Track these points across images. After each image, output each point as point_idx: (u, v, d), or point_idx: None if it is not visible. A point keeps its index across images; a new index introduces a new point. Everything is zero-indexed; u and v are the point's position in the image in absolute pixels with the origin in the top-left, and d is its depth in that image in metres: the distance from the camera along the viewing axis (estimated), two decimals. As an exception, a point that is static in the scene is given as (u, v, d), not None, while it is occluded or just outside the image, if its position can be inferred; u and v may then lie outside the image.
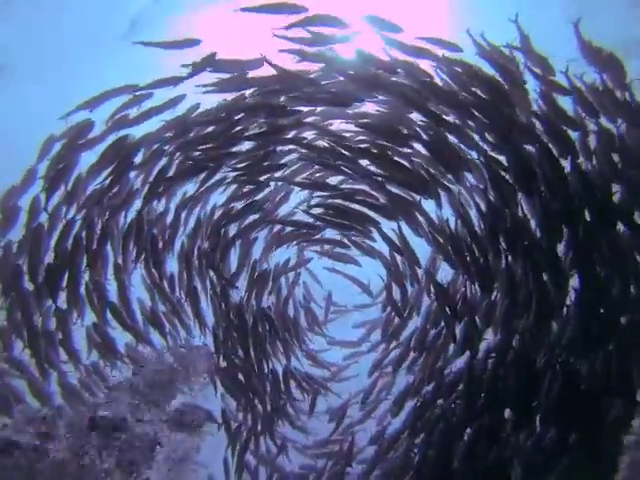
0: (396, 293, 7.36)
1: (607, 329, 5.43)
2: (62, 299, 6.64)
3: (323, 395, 8.40)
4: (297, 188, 7.16)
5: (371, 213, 6.76)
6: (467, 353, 6.33)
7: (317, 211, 7.19)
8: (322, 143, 6.62)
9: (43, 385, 6.68)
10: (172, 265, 7.42)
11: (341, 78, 6.12)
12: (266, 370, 7.81)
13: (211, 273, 7.55)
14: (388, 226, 6.84)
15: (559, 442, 5.33)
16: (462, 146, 6.36)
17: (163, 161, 6.55)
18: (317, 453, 8.33)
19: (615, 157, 5.91)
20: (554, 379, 5.43)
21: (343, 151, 6.48)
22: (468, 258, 6.12)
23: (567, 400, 5.36)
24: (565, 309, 5.70)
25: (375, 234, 6.94)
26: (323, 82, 6.23)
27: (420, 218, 6.53)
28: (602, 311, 5.48)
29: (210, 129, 6.44)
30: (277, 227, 7.75)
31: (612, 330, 5.43)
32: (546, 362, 5.60)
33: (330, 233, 7.56)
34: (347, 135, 6.69)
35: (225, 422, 7.71)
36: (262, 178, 6.74)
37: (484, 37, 6.19)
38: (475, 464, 5.83)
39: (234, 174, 6.65)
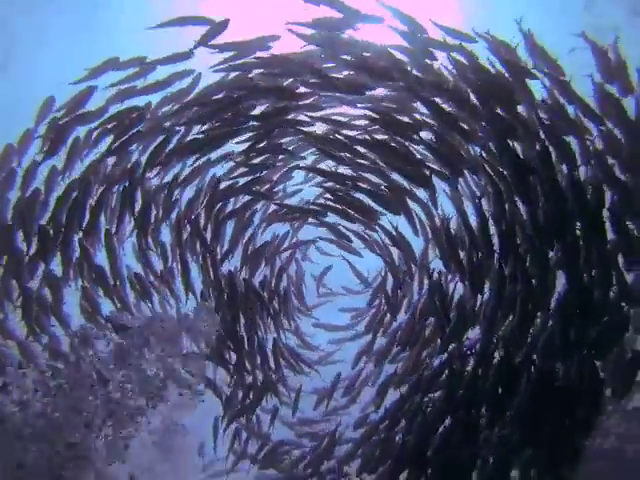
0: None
1: (584, 333, 5.87)
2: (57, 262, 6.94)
3: (307, 375, 8.83)
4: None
5: (372, 203, 7.08)
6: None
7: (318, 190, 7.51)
8: (323, 127, 6.89)
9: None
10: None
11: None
12: (255, 342, 8.16)
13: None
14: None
15: (527, 438, 5.82)
16: (463, 142, 6.69)
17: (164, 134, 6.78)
18: (301, 432, 8.82)
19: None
20: (530, 379, 5.88)
21: (340, 138, 6.75)
22: (461, 255, 6.48)
23: (540, 399, 5.82)
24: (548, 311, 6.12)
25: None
26: (326, 66, 6.48)
27: (418, 212, 6.86)
28: (582, 314, 5.91)
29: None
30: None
31: (588, 334, 5.86)
32: (524, 362, 6.03)
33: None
34: (346, 120, 6.97)
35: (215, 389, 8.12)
36: (261, 159, 7.00)
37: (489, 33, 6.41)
38: (449, 454, 6.32)
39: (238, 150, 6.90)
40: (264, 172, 7.26)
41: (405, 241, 7.09)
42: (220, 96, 6.60)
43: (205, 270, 8.02)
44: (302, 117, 6.78)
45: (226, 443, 8.45)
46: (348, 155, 6.99)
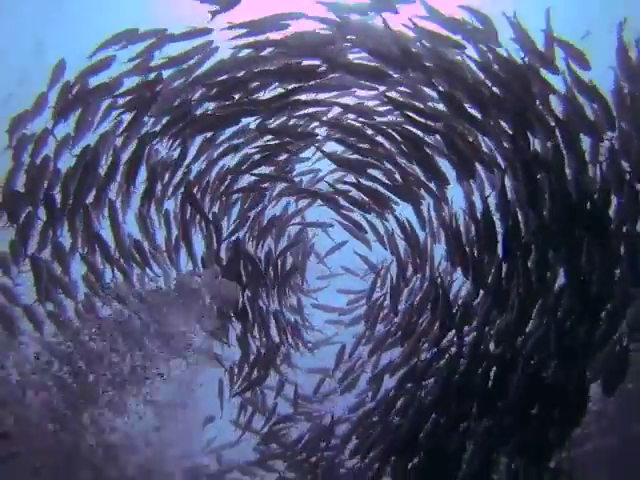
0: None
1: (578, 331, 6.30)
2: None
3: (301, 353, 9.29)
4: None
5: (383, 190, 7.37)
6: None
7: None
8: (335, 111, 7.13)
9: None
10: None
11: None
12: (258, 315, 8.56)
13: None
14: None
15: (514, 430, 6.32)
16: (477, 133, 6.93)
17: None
18: (301, 409, 9.32)
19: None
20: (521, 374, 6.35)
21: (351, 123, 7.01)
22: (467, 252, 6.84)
23: (528, 395, 6.30)
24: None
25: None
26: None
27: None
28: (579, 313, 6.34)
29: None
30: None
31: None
32: (516, 357, 6.46)
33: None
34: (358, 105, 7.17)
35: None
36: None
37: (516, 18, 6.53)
38: (438, 443, 6.87)
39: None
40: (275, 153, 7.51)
41: (414, 233, 7.41)
42: (229, 75, 6.77)
43: (208, 243, 8.35)
44: (314, 100, 7.03)
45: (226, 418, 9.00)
46: (356, 140, 7.27)
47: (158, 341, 6.54)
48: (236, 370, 8.64)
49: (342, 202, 7.76)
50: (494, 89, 6.63)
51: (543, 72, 6.64)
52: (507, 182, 6.78)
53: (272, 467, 9.25)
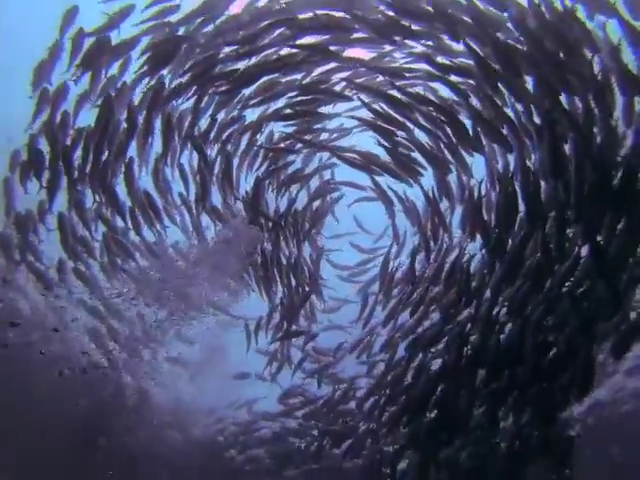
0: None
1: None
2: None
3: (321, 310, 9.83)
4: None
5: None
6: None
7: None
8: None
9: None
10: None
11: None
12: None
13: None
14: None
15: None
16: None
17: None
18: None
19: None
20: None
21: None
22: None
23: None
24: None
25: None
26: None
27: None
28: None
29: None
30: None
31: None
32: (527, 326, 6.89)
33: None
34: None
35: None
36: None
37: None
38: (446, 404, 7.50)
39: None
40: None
41: (436, 201, 7.64)
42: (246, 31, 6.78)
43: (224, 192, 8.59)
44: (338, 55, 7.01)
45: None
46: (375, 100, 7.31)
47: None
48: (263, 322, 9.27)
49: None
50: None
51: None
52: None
53: (293, 415, 10.33)
